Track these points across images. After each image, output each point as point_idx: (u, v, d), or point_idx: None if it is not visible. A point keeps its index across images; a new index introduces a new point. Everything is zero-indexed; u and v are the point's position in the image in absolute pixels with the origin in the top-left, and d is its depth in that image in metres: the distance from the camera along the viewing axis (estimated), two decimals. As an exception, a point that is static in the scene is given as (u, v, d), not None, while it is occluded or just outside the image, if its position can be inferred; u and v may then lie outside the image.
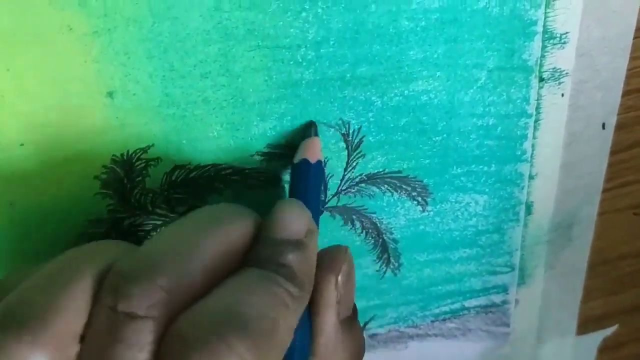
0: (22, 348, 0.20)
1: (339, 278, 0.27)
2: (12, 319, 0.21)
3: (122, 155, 0.32)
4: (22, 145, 0.30)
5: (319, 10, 0.30)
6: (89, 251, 0.25)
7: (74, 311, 0.22)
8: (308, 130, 0.32)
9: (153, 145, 0.32)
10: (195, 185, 0.34)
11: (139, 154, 0.32)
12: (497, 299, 0.43)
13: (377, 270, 0.39)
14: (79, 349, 0.22)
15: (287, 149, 0.33)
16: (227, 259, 0.23)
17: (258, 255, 0.24)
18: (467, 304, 0.43)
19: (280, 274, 0.23)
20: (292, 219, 0.25)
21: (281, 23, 0.30)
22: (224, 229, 0.24)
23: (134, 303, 0.21)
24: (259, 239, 0.25)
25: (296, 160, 0.31)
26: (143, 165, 0.32)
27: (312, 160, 0.31)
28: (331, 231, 0.37)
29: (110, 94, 0.30)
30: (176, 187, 0.33)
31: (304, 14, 0.30)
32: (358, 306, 0.40)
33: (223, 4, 0.29)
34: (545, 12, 0.32)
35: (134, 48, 0.29)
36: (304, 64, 0.31)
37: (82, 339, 0.22)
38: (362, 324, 0.41)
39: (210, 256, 0.23)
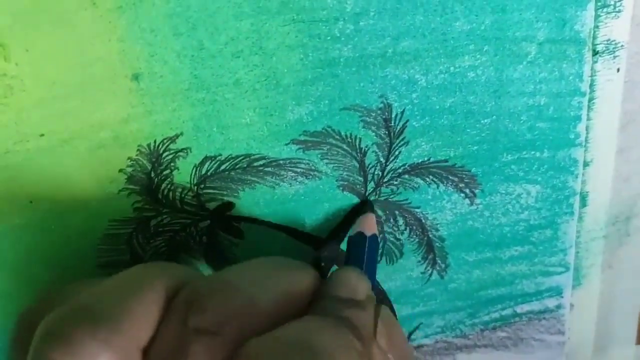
0: (94, 345, 0.20)
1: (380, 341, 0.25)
2: (87, 315, 0.21)
3: (148, 145, 0.30)
4: (42, 135, 0.28)
5: (358, -22, 0.28)
6: (161, 267, 0.25)
7: (145, 320, 0.22)
8: (363, 207, 0.33)
9: (182, 134, 0.30)
10: (227, 179, 0.31)
11: (167, 144, 0.30)
12: (551, 303, 0.40)
13: (422, 273, 0.37)
14: None
15: (325, 137, 0.31)
16: (294, 303, 0.24)
17: (324, 308, 0.24)
18: (519, 309, 0.40)
19: (346, 326, 0.23)
20: (357, 281, 0.26)
21: (317, -6, 0.28)
22: (295, 273, 0.25)
23: (208, 318, 0.21)
24: (323, 295, 0.25)
25: (352, 232, 0.32)
26: (171, 156, 0.30)
27: (368, 234, 0.31)
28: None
29: (135, 77, 0.28)
30: (206, 181, 0.31)
31: (342, -18, 0.28)
32: (402, 313, 0.38)
33: (256, -26, 0.27)
34: (598, -22, 0.31)
35: (161, 24, 0.27)
36: (342, 39, 0.29)
37: (145, 353, 0.22)
38: (406, 334, 0.38)
39: (281, 293, 0.24)
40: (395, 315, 0.31)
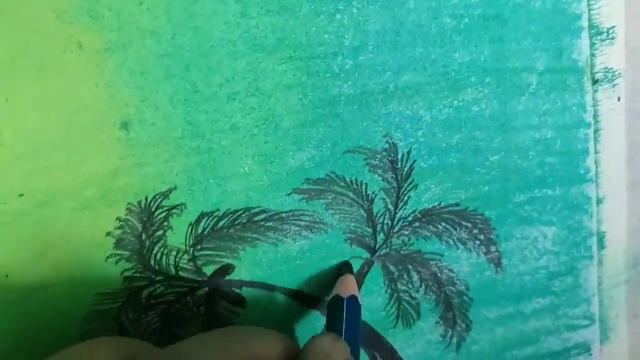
0: None
1: None
2: None
3: (139, 203, 0.27)
4: (21, 195, 0.26)
5: (354, 11, 0.28)
6: (109, 342, 0.24)
7: None
8: (343, 269, 0.31)
9: (175, 187, 0.28)
10: (225, 238, 0.29)
11: (160, 200, 0.28)
12: (580, 363, 0.37)
13: (442, 336, 0.34)
14: None
15: (329, 184, 0.29)
16: None
17: None
18: (548, 372, 0.37)
19: None
20: (332, 347, 0.24)
21: (314, 28, 0.28)
22: (259, 341, 0.24)
23: None
24: None
25: (329, 297, 0.30)
26: (164, 214, 0.28)
27: (345, 295, 0.29)
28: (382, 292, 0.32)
29: (125, 125, 0.26)
30: (203, 241, 0.29)
31: (338, 15, 0.28)
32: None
33: (249, 9, 0.27)
34: (589, 5, 0.31)
35: (152, 66, 0.26)
36: (342, 75, 0.28)
37: None
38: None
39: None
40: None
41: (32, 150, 0.25)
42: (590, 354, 0.37)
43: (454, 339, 0.34)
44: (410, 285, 0.33)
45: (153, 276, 0.28)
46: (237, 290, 0.30)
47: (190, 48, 0.26)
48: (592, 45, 0.32)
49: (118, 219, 0.27)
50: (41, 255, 0.27)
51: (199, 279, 0.29)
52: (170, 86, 0.26)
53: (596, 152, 0.33)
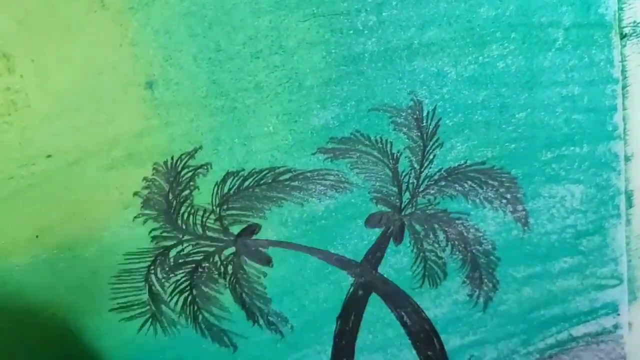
0: None
1: None
2: None
3: (165, 163, 0.28)
4: (49, 157, 0.26)
5: (378, -35, 0.28)
6: None
7: None
8: None
9: (201, 147, 0.28)
10: (251, 197, 0.29)
11: (186, 160, 0.28)
12: (607, 322, 0.37)
13: (468, 295, 0.34)
14: None
15: (354, 143, 0.29)
16: None
17: None
18: (574, 332, 0.37)
19: None
20: None
21: (337, -16, 0.27)
22: None
23: None
24: None
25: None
26: (190, 174, 0.28)
27: None
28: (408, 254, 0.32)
29: (149, 85, 0.26)
30: (229, 200, 0.29)
31: (361, -29, 0.27)
32: (450, 345, 0.34)
33: (272, -35, 0.27)
34: (617, -44, 0.30)
35: (175, 25, 0.26)
36: (366, 32, 0.28)
37: None
38: (458, 369, 0.35)
39: None
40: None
41: (59, 111, 0.26)
42: (618, 314, 0.37)
43: (481, 299, 0.34)
44: (436, 245, 0.33)
45: (180, 236, 0.29)
46: (264, 250, 0.30)
47: (214, 7, 0.26)
48: (620, -2, 0.31)
49: (145, 178, 0.28)
50: (70, 216, 0.27)
51: (225, 238, 0.29)
52: (194, 45, 0.27)
53: (624, 109, 0.33)
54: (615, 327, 0.37)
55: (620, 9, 0.31)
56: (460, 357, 0.35)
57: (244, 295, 0.30)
